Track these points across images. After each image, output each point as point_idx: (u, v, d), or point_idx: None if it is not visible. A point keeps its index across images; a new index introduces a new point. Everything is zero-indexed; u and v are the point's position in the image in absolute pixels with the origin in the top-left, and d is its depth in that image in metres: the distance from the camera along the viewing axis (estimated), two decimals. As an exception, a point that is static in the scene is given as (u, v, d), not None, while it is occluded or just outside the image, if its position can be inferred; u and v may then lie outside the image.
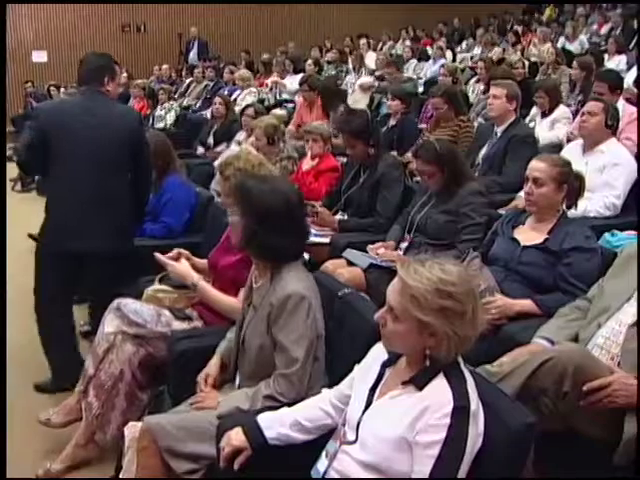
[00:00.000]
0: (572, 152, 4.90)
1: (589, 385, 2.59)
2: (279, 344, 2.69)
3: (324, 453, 2.35)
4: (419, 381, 2.13)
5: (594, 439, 2.69)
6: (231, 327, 3.13)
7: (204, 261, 3.67)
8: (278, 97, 10.56)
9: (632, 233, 4.24)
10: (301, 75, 9.63)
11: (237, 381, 2.94)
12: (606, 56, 9.86)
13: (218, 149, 7.61)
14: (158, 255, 3.48)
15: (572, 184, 3.58)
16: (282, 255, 2.78)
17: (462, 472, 2.04)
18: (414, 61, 12.10)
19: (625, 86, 7.72)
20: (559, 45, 12.59)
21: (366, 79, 9.72)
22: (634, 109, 6.22)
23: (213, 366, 3.04)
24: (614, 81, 6.20)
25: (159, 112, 10.08)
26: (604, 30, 14.19)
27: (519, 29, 15.30)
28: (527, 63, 10.51)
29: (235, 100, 9.73)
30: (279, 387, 2.66)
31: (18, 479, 3.30)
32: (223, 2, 17.86)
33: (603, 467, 2.65)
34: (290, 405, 2.57)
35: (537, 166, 3.59)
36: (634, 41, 11.27)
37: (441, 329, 2.07)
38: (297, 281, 2.73)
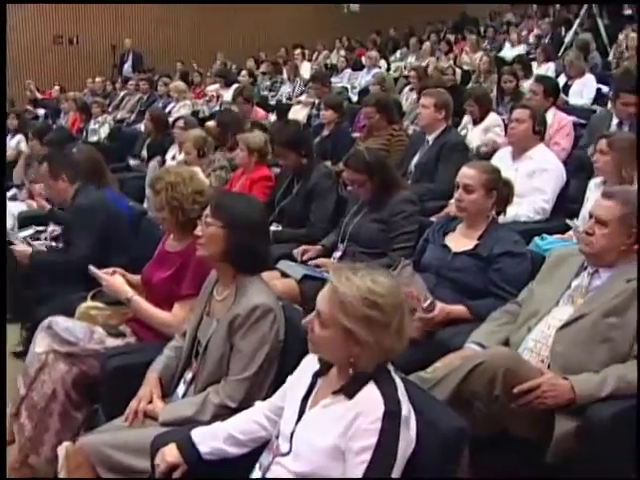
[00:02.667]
0: (502, 159, 5.00)
1: (519, 387, 2.65)
2: (238, 350, 2.72)
3: (258, 465, 2.34)
4: (349, 390, 2.15)
5: (527, 440, 2.75)
6: (168, 343, 3.11)
7: (138, 277, 3.63)
8: (214, 109, 10.51)
9: (560, 237, 4.35)
10: (235, 86, 9.60)
11: (180, 392, 2.93)
12: (534, 64, 10.05)
13: (151, 163, 7.54)
14: (93, 269, 3.46)
15: (501, 190, 3.64)
16: (263, 262, 2.93)
17: (394, 477, 2.05)
18: (349, 70, 12.17)
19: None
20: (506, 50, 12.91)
21: (306, 99, 9.67)
22: (564, 115, 6.39)
23: (149, 390, 2.95)
24: (550, 87, 6.38)
25: (92, 126, 9.93)
26: (532, 38, 14.51)
27: (451, 38, 15.53)
28: (459, 71, 10.69)
29: (170, 113, 9.67)
30: (229, 391, 2.69)
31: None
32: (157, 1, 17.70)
33: (536, 466, 2.72)
34: (240, 411, 2.57)
35: (467, 173, 3.64)
36: (562, 49, 11.53)
37: (364, 338, 2.09)
38: (263, 294, 2.79)
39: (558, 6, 19.09)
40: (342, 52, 15.07)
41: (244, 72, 11.11)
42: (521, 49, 12.64)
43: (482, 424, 2.66)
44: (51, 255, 4.58)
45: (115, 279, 3.46)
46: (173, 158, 7.05)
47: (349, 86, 11.40)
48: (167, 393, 2.97)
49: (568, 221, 4.41)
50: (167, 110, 9.95)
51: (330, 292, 2.15)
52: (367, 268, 2.19)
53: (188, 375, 2.94)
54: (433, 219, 4.40)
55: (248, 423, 2.49)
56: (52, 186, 4.48)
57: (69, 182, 4.43)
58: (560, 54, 10.86)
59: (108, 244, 4.20)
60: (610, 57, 11.62)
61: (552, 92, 6.38)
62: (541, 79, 6.82)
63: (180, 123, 7.05)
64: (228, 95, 10.30)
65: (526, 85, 7.99)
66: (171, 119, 8.50)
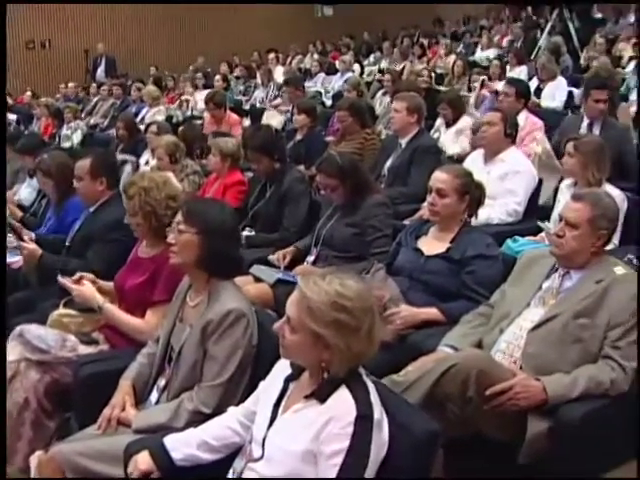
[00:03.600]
0: (474, 161, 5.04)
1: (492, 389, 2.67)
2: (211, 355, 2.72)
3: (231, 471, 2.35)
4: (321, 394, 2.15)
5: (500, 441, 2.77)
6: (141, 350, 3.09)
7: (110, 283, 3.61)
8: (187, 113, 10.49)
9: (533, 239, 4.38)
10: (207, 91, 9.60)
11: (154, 399, 2.91)
12: (508, 67, 10.13)
13: (125, 168, 7.50)
14: (61, 279, 3.44)
15: (473, 194, 3.67)
16: (237, 267, 2.98)
17: None
18: (322, 75, 12.18)
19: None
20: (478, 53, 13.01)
21: (282, 106, 9.65)
22: (536, 119, 6.45)
23: (122, 397, 2.93)
24: (521, 89, 6.47)
25: (65, 131, 9.86)
26: (505, 42, 14.63)
27: (425, 42, 15.62)
28: (433, 75, 10.73)
29: (143, 118, 9.63)
30: (203, 397, 2.68)
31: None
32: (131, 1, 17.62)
33: (509, 467, 2.74)
34: (214, 417, 2.56)
35: (440, 177, 3.66)
36: (534, 52, 11.63)
37: (334, 342, 2.10)
38: (236, 299, 2.79)
39: (530, 10, 19.30)
40: (316, 56, 15.10)
41: (217, 77, 11.07)
42: (491, 52, 12.70)
43: (455, 426, 2.68)
44: (64, 262, 4.24)
45: (85, 287, 3.42)
46: (146, 163, 7.02)
47: (323, 90, 11.41)
48: (140, 400, 2.95)
49: (540, 223, 4.45)
50: (140, 115, 9.92)
51: (298, 297, 2.15)
52: (335, 272, 2.20)
53: (161, 382, 2.93)
54: (406, 222, 4.42)
55: (221, 429, 2.48)
56: (86, 185, 4.31)
57: (106, 187, 4.32)
58: (532, 57, 10.95)
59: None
60: (581, 60, 11.74)
61: (523, 94, 6.50)
62: (513, 81, 6.96)
63: (153, 128, 7.03)
64: (201, 100, 10.29)
65: (499, 87, 8.10)
66: (145, 124, 8.48)
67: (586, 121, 5.88)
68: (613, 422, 2.80)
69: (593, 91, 5.88)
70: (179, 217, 2.88)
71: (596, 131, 5.75)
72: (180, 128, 7.63)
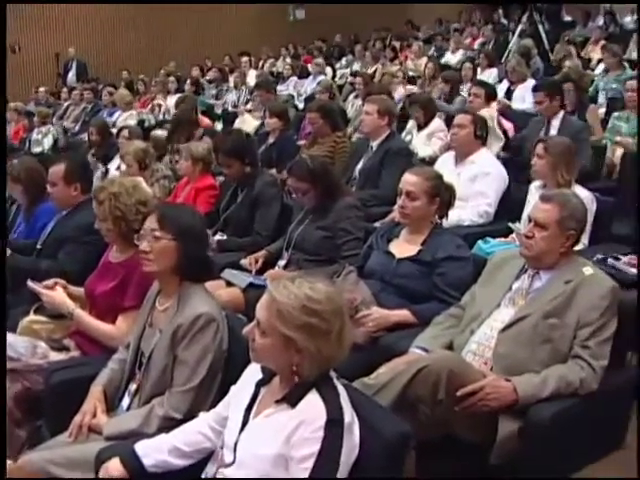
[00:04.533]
0: (445, 163, 5.08)
1: (462, 390, 2.69)
2: (181, 360, 2.70)
3: (203, 476, 2.35)
4: (292, 398, 2.15)
5: (472, 442, 2.78)
6: (113, 356, 3.07)
7: (81, 289, 3.58)
8: (159, 117, 10.44)
9: (504, 240, 4.41)
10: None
11: (125, 405, 2.90)
12: (479, 69, 10.19)
13: (96, 173, 7.44)
14: (31, 284, 3.41)
15: (443, 196, 3.68)
16: (210, 271, 2.99)
17: None
18: (294, 78, 12.18)
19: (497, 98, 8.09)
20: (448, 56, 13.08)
21: (255, 111, 9.61)
22: (506, 122, 6.52)
23: (93, 404, 2.91)
24: (489, 91, 6.66)
25: (35, 136, 9.80)
26: (477, 45, 14.72)
27: (397, 45, 15.66)
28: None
29: (115, 122, 9.58)
30: (174, 402, 2.67)
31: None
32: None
33: (481, 468, 2.76)
34: (185, 422, 2.55)
35: (410, 180, 3.67)
36: (505, 55, 11.71)
37: (305, 346, 2.10)
38: (206, 303, 2.78)
39: (501, 13, 19.46)
40: (288, 60, 15.08)
41: (188, 81, 11.05)
42: (459, 55, 12.77)
43: (427, 427, 2.69)
44: (34, 262, 4.24)
45: (55, 293, 3.40)
46: (118, 168, 6.98)
47: (295, 94, 11.42)
48: (112, 406, 2.94)
49: (510, 224, 4.49)
50: (112, 120, 9.86)
51: (268, 301, 2.15)
52: (305, 276, 2.20)
53: (132, 387, 2.92)
54: (377, 225, 4.44)
55: (192, 434, 2.47)
56: (60, 190, 4.29)
57: (80, 192, 4.28)
58: (503, 60, 11.02)
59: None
60: (552, 62, 11.84)
61: (491, 96, 6.85)
62: (481, 83, 7.25)
63: (125, 133, 7.00)
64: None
65: (465, 89, 8.22)
66: (116, 129, 8.43)
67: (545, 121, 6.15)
68: (583, 421, 2.84)
69: (534, 94, 6.35)
70: (153, 224, 2.85)
71: (554, 130, 5.90)
72: (153, 131, 7.63)
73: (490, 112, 6.03)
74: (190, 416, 2.61)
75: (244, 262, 4.44)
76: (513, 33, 13.28)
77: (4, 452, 2.83)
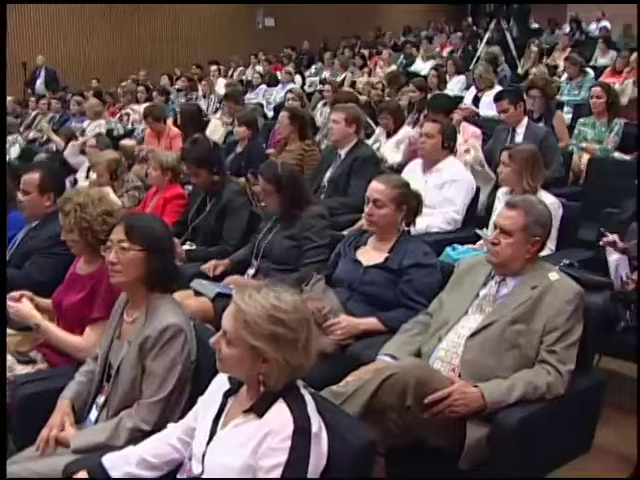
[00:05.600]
0: (413, 170, 5.10)
1: (430, 397, 2.70)
2: (149, 372, 2.69)
3: (171, 487, 2.34)
4: (259, 408, 2.15)
5: (441, 448, 2.79)
6: (81, 368, 3.05)
7: (48, 301, 3.55)
8: (128, 127, 10.39)
9: (472, 246, 4.44)
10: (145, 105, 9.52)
11: (93, 417, 2.87)
12: (447, 77, 10.25)
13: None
14: None
15: (410, 204, 3.70)
16: (176, 280, 2.94)
17: None
18: (264, 86, 12.17)
19: (463, 105, 8.15)
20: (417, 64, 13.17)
21: (225, 118, 9.58)
22: (474, 128, 6.55)
23: (60, 417, 2.88)
24: (446, 106, 6.58)
25: (1, 145, 9.69)
26: (445, 53, 14.84)
27: (366, 53, 15.74)
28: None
29: (83, 132, 9.51)
30: (143, 414, 2.65)
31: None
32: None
33: (451, 473, 2.78)
34: (154, 434, 2.54)
35: (377, 188, 3.68)
36: (473, 62, 11.81)
37: (271, 355, 2.10)
38: (174, 314, 2.76)
39: (470, 20, 19.67)
40: (257, 68, 15.08)
41: (155, 93, 11.01)
42: (430, 63, 12.84)
43: (396, 435, 2.70)
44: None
45: (22, 305, 3.37)
46: (87, 177, 6.94)
47: (264, 102, 11.41)
48: (80, 419, 2.91)
49: (478, 231, 4.52)
50: (81, 130, 9.79)
51: (234, 311, 2.15)
52: (271, 285, 2.20)
53: (100, 399, 2.89)
54: (345, 233, 4.44)
55: (161, 446, 2.46)
56: (33, 199, 4.21)
57: (52, 203, 4.18)
58: (471, 67, 11.11)
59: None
60: (519, 69, 11.98)
61: (449, 109, 6.66)
62: (435, 107, 6.92)
63: (93, 142, 6.96)
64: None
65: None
66: (85, 138, 8.39)
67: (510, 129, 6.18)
68: (550, 425, 2.86)
69: (496, 103, 6.35)
70: (120, 235, 2.82)
71: (519, 138, 5.97)
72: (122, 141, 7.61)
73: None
74: (159, 428, 2.59)
75: (204, 267, 4.42)
76: (482, 40, 13.42)
77: (4, 452, 2.80)
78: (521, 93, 6.63)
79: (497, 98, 6.39)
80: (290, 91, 8.88)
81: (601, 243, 3.96)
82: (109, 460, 2.44)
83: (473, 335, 2.96)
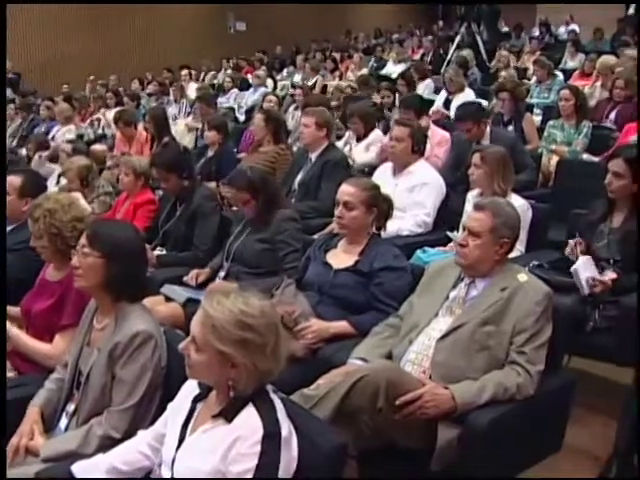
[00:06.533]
0: (383, 174, 5.12)
1: (401, 399, 2.71)
2: (119, 379, 2.67)
3: (141, 495, 2.33)
4: (228, 413, 2.15)
5: (412, 449, 2.80)
6: (50, 376, 3.03)
7: (17, 308, 3.52)
8: (99, 132, 10.33)
9: (442, 249, 4.46)
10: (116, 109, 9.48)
11: (63, 425, 2.85)
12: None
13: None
14: None
15: (381, 207, 3.71)
16: (144, 289, 2.90)
17: None
18: (235, 90, 12.14)
19: (435, 108, 8.20)
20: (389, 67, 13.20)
21: (192, 122, 9.55)
22: (441, 131, 6.59)
23: (29, 425, 2.85)
24: (417, 106, 6.62)
25: (-34, 152, 9.57)
26: (417, 56, 14.91)
27: (337, 56, 15.77)
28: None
29: (53, 137, 9.44)
30: (113, 422, 2.63)
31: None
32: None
33: (422, 475, 2.80)
34: (125, 441, 2.52)
35: (347, 190, 3.69)
36: (444, 65, 11.87)
37: (240, 361, 2.10)
38: (144, 320, 2.74)
39: (441, 23, 19.79)
40: (229, 72, 15.04)
41: (125, 98, 10.96)
42: (401, 66, 12.90)
43: (368, 436, 2.71)
44: None
45: None
46: (57, 183, 6.88)
47: (236, 106, 11.38)
48: (50, 427, 2.89)
49: (448, 233, 4.54)
50: (51, 134, 9.71)
51: (202, 316, 2.15)
52: (239, 290, 2.20)
53: (70, 407, 2.87)
54: (316, 237, 4.44)
55: (130, 453, 2.44)
56: (11, 202, 4.19)
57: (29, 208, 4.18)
58: (442, 70, 11.16)
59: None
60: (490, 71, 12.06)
61: (421, 110, 6.71)
62: (407, 105, 6.93)
63: (65, 148, 6.90)
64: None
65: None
66: (55, 143, 8.32)
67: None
68: (521, 426, 2.88)
69: (457, 124, 6.28)
70: (83, 240, 2.82)
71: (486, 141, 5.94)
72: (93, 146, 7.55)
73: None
74: (129, 435, 2.58)
75: (186, 278, 4.39)
76: (453, 43, 13.50)
77: (4, 452, 2.77)
78: (483, 109, 6.47)
79: (459, 118, 6.19)
80: (267, 95, 8.91)
81: (566, 252, 3.99)
82: (79, 468, 2.43)
83: (443, 337, 2.98)
